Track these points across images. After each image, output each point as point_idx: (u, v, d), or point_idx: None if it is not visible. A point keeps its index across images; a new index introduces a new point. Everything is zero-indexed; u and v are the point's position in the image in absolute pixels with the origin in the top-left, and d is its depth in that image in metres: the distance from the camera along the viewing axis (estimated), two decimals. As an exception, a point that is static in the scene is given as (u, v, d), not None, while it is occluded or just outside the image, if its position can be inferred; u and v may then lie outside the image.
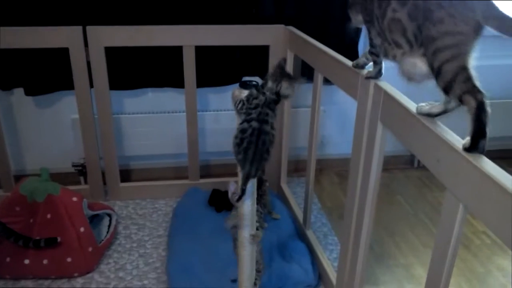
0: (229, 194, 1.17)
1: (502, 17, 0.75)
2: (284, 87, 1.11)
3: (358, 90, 1.26)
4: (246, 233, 1.23)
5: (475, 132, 0.78)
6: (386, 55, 1.04)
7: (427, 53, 0.85)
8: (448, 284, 0.93)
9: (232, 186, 1.17)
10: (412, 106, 1.02)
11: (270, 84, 1.11)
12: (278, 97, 1.11)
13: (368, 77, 1.17)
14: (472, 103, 0.78)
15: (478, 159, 0.78)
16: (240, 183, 1.13)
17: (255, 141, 1.07)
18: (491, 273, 1.76)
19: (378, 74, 1.16)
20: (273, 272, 1.61)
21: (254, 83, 1.11)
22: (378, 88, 1.16)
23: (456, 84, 0.79)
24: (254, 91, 1.11)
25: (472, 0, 0.78)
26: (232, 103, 1.12)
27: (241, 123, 1.09)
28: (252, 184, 1.17)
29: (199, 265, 1.64)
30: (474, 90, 0.78)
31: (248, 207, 1.20)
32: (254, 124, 1.07)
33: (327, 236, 1.95)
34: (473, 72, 0.80)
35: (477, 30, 0.78)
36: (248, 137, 1.07)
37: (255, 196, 1.21)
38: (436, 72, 0.83)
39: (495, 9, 0.76)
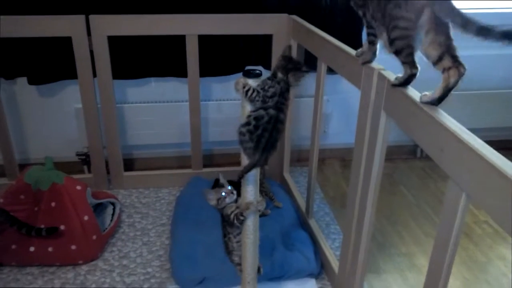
0: (210, 201, 1.22)
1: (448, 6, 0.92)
2: (292, 79, 1.11)
3: (361, 79, 1.25)
4: (250, 221, 1.23)
5: (400, 84, 1.06)
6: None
7: (388, 26, 1.04)
8: (449, 273, 0.93)
9: (210, 194, 1.23)
10: (415, 95, 1.02)
11: (280, 75, 1.11)
12: (288, 87, 1.12)
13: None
14: (408, 71, 1.04)
15: (482, 148, 0.78)
16: (242, 170, 1.14)
17: (271, 129, 1.08)
18: (492, 262, 1.77)
19: (373, 56, 1.19)
20: (276, 261, 1.62)
21: (257, 71, 1.11)
22: (381, 77, 1.15)
23: (401, 55, 1.03)
24: (268, 80, 1.11)
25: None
26: (236, 91, 1.12)
27: (255, 111, 1.09)
28: (255, 172, 1.18)
29: (202, 253, 1.66)
30: (411, 62, 1.03)
31: (252, 195, 1.20)
32: (272, 112, 1.08)
33: (330, 225, 1.96)
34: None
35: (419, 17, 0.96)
36: (264, 124, 1.07)
37: (258, 183, 1.21)
38: (390, 43, 1.04)
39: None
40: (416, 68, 1.03)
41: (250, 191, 1.21)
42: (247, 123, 1.09)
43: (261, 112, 1.08)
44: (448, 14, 0.91)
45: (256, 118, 1.08)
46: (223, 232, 1.33)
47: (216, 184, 1.28)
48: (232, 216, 1.20)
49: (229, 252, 1.34)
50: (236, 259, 1.33)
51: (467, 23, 0.87)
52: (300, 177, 2.34)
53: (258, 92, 1.10)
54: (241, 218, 1.19)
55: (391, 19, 1.01)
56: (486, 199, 0.77)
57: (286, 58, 1.14)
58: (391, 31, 1.02)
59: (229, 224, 1.26)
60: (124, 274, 1.66)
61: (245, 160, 1.16)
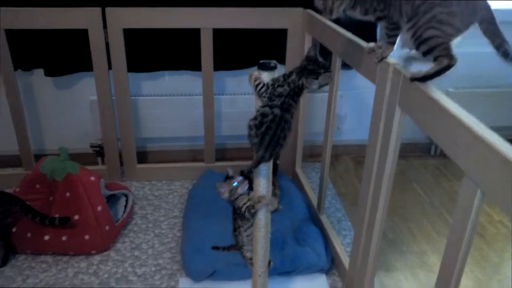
0: (222, 195, 1.22)
1: (493, 28, 0.98)
2: (304, 83, 1.09)
3: (376, 74, 1.24)
4: (261, 214, 1.23)
5: (430, 75, 1.03)
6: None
7: (420, 25, 1.02)
8: (462, 270, 0.92)
9: (222, 188, 1.22)
10: (431, 90, 1.00)
11: (293, 76, 1.10)
12: (301, 90, 1.10)
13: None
14: (445, 62, 1.02)
15: (499, 143, 0.77)
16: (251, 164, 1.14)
17: (274, 128, 1.08)
18: (506, 262, 1.74)
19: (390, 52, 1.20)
20: (286, 256, 1.62)
21: (272, 64, 1.10)
22: (397, 72, 1.14)
23: (436, 50, 1.02)
24: (281, 78, 1.10)
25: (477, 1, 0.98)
26: (250, 84, 1.12)
27: (263, 106, 1.09)
28: (267, 167, 1.18)
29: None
30: (450, 55, 1.02)
31: (264, 188, 1.20)
32: (277, 111, 1.07)
33: (341, 222, 1.96)
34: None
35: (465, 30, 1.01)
36: (268, 122, 1.07)
37: (271, 178, 1.21)
38: (422, 41, 1.03)
39: (492, 19, 0.98)
40: (455, 59, 1.02)
41: (262, 185, 1.21)
42: (255, 118, 1.09)
43: (267, 109, 1.08)
44: (491, 35, 0.98)
45: (262, 114, 1.08)
46: (234, 226, 1.33)
47: (227, 178, 1.28)
48: (243, 208, 1.20)
49: (239, 247, 1.35)
50: (247, 254, 1.33)
51: (500, 45, 0.97)
52: (312, 173, 2.33)
53: (267, 87, 1.09)
54: (252, 211, 1.19)
55: (433, 21, 1.01)
56: (502, 195, 0.75)
57: (310, 59, 1.11)
58: (425, 30, 1.02)
59: (240, 216, 1.26)
60: (136, 265, 1.68)
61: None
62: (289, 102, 1.08)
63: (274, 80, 1.10)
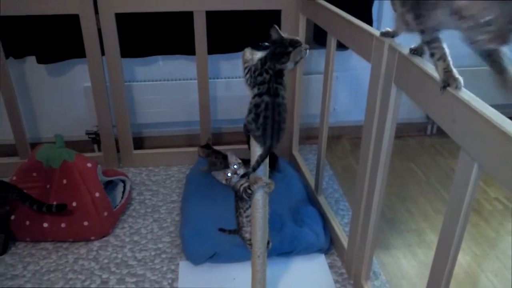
0: (223, 181, 1.24)
1: None
2: (278, 67, 1.07)
3: (372, 52, 1.24)
4: (259, 196, 1.24)
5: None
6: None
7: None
8: (460, 243, 0.93)
9: (218, 175, 1.24)
10: (427, 66, 1.00)
11: (268, 62, 1.08)
12: (281, 74, 1.09)
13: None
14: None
15: (495, 117, 0.77)
16: (259, 155, 1.13)
17: (271, 115, 1.08)
18: (502, 238, 1.76)
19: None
20: (285, 236, 1.63)
21: (266, 44, 1.09)
22: (392, 50, 1.14)
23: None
24: (259, 65, 1.08)
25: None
26: (242, 64, 1.11)
27: (253, 98, 1.09)
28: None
29: (212, 228, 1.66)
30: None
31: (260, 170, 1.21)
32: (266, 98, 1.07)
33: (339, 202, 1.97)
34: None
35: None
36: (263, 111, 1.08)
37: (268, 160, 1.21)
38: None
39: None
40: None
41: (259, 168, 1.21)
42: (250, 112, 1.10)
43: (257, 99, 1.08)
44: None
45: (255, 106, 1.09)
46: (236, 207, 1.34)
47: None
48: (241, 189, 1.21)
49: (239, 228, 1.35)
50: (246, 235, 1.34)
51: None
52: (309, 155, 2.33)
53: (251, 75, 1.09)
54: (249, 191, 1.19)
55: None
56: (499, 168, 0.76)
57: (275, 42, 1.08)
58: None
59: (240, 198, 1.26)
60: (136, 250, 1.69)
61: (253, 146, 1.16)
62: (274, 87, 1.08)
63: (255, 68, 1.09)
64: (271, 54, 1.08)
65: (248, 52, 1.10)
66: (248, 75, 1.09)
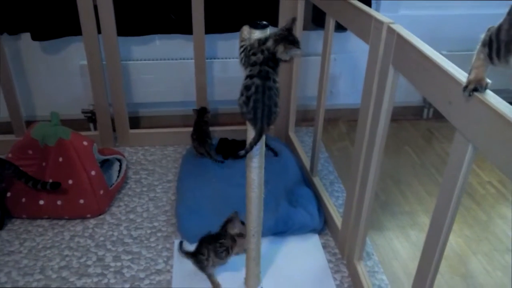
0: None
1: None
2: (280, 51, 1.05)
3: (370, 33, 1.23)
4: (254, 175, 1.25)
5: None
6: None
7: None
8: (451, 227, 0.95)
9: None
10: (425, 48, 1.00)
11: (270, 43, 1.07)
12: (275, 60, 1.08)
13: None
14: None
15: (491, 98, 0.77)
16: (251, 138, 1.14)
17: (261, 99, 1.07)
18: (493, 220, 1.79)
19: None
20: (280, 217, 1.65)
21: (264, 23, 1.08)
22: (391, 31, 1.13)
23: None
24: (256, 44, 1.07)
25: None
26: (238, 43, 1.10)
27: (245, 79, 1.09)
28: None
29: (207, 207, 1.69)
30: None
31: (257, 149, 1.21)
32: (257, 81, 1.06)
33: (334, 184, 1.98)
34: None
35: None
36: (253, 94, 1.07)
37: (264, 140, 1.22)
38: None
39: None
40: None
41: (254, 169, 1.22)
42: (241, 94, 1.09)
43: (248, 81, 1.07)
44: None
45: (245, 88, 1.08)
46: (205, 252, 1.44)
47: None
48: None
49: (202, 266, 1.46)
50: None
51: None
52: (305, 137, 2.34)
53: (246, 54, 1.08)
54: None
55: None
56: (493, 149, 0.77)
57: (288, 30, 1.07)
58: None
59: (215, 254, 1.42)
60: (131, 228, 1.70)
61: (249, 127, 1.16)
62: (265, 70, 1.07)
63: (250, 47, 1.08)
64: (283, 36, 1.07)
65: (246, 30, 1.09)
66: (243, 54, 1.08)
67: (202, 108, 2.08)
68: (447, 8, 2.26)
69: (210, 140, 2.02)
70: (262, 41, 1.07)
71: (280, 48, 1.06)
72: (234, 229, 1.43)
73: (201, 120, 2.05)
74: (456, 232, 1.71)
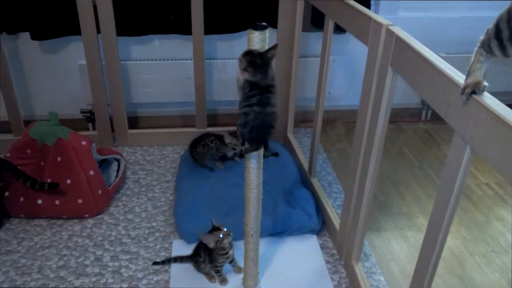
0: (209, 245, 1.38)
1: None
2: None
3: (369, 35, 1.24)
4: (253, 176, 1.25)
5: None
6: None
7: None
8: (449, 228, 0.95)
9: (207, 238, 1.39)
10: (423, 50, 1.00)
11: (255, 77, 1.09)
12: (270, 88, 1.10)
13: None
14: None
15: (488, 100, 0.78)
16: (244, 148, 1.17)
17: (258, 125, 1.10)
18: (490, 222, 1.79)
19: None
20: (278, 217, 1.65)
21: (264, 24, 1.09)
22: (389, 33, 1.14)
23: None
24: (248, 91, 1.09)
25: None
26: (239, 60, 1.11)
27: (243, 107, 1.10)
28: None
29: (205, 208, 1.69)
30: None
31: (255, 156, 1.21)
32: (256, 108, 1.09)
33: (332, 185, 1.99)
34: None
35: None
36: (251, 120, 1.10)
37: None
38: None
39: None
40: None
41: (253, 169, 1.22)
42: (239, 115, 1.12)
43: (247, 109, 1.10)
44: None
45: (245, 114, 1.11)
46: (202, 255, 1.46)
47: (213, 230, 1.39)
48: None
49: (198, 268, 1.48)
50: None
51: None
52: (304, 138, 2.34)
53: (243, 89, 1.10)
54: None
55: None
56: (490, 151, 0.77)
57: (253, 59, 1.07)
58: None
59: (212, 259, 1.43)
60: (130, 228, 1.70)
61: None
62: (266, 96, 1.10)
63: (247, 89, 1.09)
64: (255, 68, 1.09)
65: (242, 58, 1.09)
66: (242, 87, 1.11)
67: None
68: (446, 10, 2.27)
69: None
70: (250, 88, 1.09)
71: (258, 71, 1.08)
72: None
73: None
74: (453, 233, 1.71)
